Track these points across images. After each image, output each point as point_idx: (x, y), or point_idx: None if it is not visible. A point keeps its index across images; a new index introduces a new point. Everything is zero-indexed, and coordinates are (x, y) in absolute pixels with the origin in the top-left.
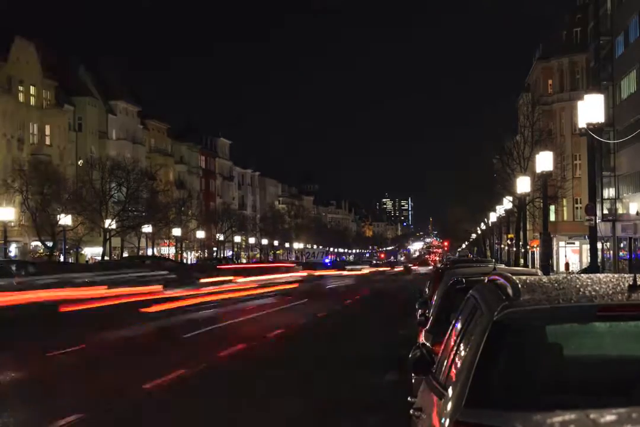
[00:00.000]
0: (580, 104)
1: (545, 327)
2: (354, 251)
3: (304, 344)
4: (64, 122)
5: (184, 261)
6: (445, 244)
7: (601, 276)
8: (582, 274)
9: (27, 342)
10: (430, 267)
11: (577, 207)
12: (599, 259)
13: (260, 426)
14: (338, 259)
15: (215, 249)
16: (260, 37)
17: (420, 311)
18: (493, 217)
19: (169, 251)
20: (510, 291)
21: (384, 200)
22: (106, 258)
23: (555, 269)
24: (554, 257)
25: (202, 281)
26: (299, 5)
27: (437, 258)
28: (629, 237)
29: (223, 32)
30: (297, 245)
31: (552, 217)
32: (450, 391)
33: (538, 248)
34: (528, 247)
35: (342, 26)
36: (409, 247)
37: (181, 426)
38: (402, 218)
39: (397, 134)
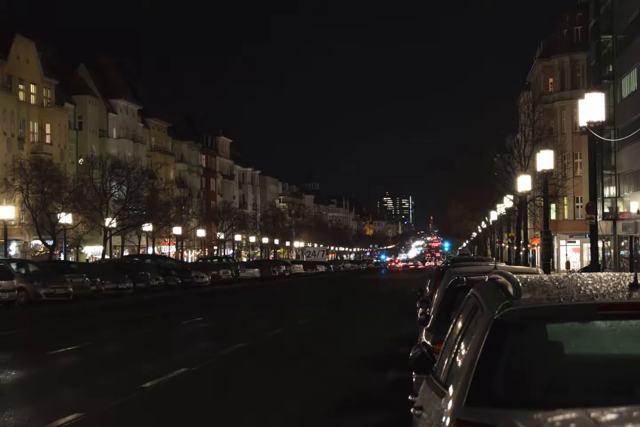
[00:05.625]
0: (581, 103)
1: (546, 325)
2: (354, 249)
3: None
4: (64, 120)
5: (185, 259)
6: (446, 242)
7: (602, 274)
8: (583, 273)
9: None
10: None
11: (577, 206)
12: (600, 258)
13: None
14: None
15: (215, 247)
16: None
17: (421, 309)
18: (494, 215)
19: (169, 249)
20: (511, 289)
21: (385, 199)
22: (107, 257)
23: (556, 267)
24: (555, 255)
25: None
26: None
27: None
28: (629, 236)
29: (222, 32)
30: (298, 244)
31: (553, 216)
32: (451, 389)
33: (539, 247)
34: (529, 245)
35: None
36: (409, 245)
37: None
38: (403, 217)
39: (397, 133)
